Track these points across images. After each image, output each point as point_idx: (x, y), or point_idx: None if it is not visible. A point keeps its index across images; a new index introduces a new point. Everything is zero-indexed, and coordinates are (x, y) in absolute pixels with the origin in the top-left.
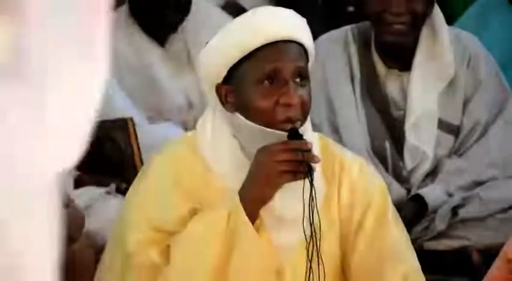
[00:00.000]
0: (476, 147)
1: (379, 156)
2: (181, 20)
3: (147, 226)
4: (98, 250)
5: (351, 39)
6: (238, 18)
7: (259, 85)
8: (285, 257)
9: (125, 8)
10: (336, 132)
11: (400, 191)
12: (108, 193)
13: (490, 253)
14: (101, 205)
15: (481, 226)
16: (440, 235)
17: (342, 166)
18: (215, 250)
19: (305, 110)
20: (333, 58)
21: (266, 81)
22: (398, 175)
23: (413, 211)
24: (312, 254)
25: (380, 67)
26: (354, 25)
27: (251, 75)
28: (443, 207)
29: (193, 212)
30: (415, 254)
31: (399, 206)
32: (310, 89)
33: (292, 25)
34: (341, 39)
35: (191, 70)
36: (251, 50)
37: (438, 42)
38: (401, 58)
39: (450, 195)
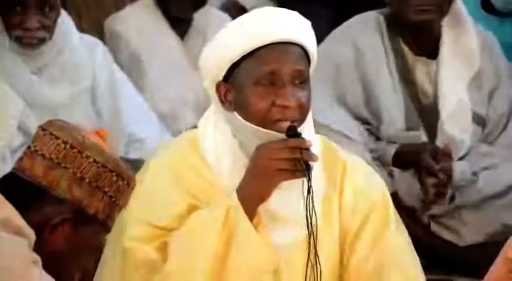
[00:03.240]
0: (502, 137)
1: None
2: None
3: (144, 222)
4: None
5: (383, 22)
6: (240, 17)
7: (257, 85)
8: (282, 256)
9: None
10: (375, 113)
11: None
12: None
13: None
14: None
15: (477, 212)
16: (440, 224)
17: (345, 169)
18: (212, 248)
19: (303, 112)
20: (366, 36)
21: (264, 82)
22: None
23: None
24: (309, 253)
25: (408, 54)
26: (379, 11)
27: (249, 75)
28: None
29: (192, 209)
30: (417, 261)
31: None
32: (310, 90)
33: (294, 27)
34: (372, 20)
35: None
36: (251, 49)
37: (463, 31)
38: (428, 45)
39: (474, 174)
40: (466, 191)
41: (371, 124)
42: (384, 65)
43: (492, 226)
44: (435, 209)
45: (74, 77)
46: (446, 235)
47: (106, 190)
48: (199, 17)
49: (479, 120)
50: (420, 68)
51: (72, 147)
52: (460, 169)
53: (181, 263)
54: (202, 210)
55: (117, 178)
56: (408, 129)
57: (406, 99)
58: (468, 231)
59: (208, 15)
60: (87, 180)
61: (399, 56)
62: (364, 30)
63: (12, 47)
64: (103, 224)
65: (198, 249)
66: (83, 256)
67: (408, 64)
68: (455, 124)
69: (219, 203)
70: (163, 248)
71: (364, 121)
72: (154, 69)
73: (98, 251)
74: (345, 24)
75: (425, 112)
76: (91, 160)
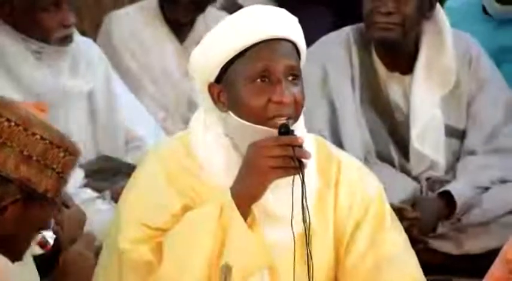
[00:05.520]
0: (497, 145)
1: (384, 160)
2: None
3: (139, 224)
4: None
5: (352, 41)
6: (230, 17)
7: (251, 83)
8: (278, 254)
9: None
10: (337, 136)
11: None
12: (99, 197)
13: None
14: (89, 208)
15: (483, 231)
16: (443, 237)
17: (339, 168)
18: (207, 246)
19: (298, 107)
20: (334, 60)
21: (258, 80)
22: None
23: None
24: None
25: (381, 70)
26: (354, 26)
27: (243, 74)
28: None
29: (186, 209)
30: (415, 258)
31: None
32: (303, 86)
33: (283, 24)
34: (343, 41)
35: None
36: (243, 48)
37: (441, 48)
38: (401, 61)
39: (477, 187)
40: (471, 213)
41: None
42: (348, 85)
43: (495, 241)
44: (440, 229)
45: (80, 73)
46: (445, 247)
47: (54, 166)
48: (201, 21)
49: (456, 134)
50: (395, 84)
51: (16, 124)
52: (457, 192)
53: (176, 262)
54: (195, 210)
55: (64, 154)
56: (377, 149)
57: (374, 117)
58: (470, 241)
59: (208, 16)
60: (34, 158)
61: (370, 72)
62: (333, 49)
63: (31, 47)
64: (52, 201)
65: (193, 248)
66: (33, 234)
67: (381, 80)
68: (425, 142)
69: (213, 202)
70: (158, 249)
71: None
72: (145, 74)
73: (46, 228)
74: (318, 41)
75: (398, 129)
76: (37, 136)
